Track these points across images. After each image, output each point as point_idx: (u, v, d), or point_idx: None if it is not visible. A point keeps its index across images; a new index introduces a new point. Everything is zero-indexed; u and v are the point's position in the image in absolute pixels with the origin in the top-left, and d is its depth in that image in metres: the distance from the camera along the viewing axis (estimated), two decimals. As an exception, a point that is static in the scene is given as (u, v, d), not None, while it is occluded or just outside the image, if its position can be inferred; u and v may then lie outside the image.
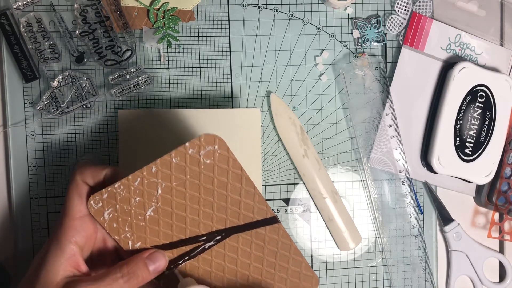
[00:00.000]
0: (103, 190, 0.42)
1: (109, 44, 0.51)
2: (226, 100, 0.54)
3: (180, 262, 0.45)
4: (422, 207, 0.57)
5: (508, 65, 0.58)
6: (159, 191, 0.43)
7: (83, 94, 0.51)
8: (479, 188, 0.58)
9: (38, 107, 0.50)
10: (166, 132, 0.51)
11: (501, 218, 0.59)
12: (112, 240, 0.44)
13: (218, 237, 0.45)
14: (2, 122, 0.51)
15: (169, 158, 0.42)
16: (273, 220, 0.45)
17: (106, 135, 0.52)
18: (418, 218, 0.56)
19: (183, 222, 0.44)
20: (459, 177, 0.56)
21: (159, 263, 0.43)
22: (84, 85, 0.51)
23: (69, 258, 0.40)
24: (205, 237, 0.45)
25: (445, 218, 0.57)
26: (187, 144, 0.41)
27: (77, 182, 0.43)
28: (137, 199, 0.43)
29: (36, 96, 0.51)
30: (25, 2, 0.50)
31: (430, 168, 0.55)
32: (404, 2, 0.55)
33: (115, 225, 0.43)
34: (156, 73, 0.53)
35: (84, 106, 0.51)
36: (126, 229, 0.44)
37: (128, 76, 0.51)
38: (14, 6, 0.50)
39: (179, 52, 0.53)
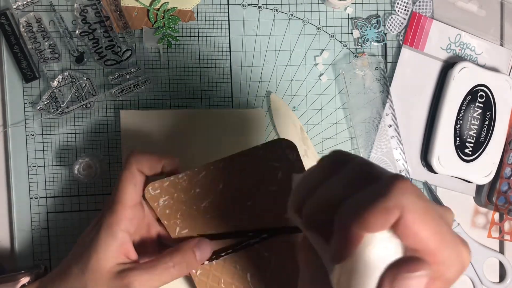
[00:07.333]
0: (165, 179, 0.43)
1: (109, 44, 0.51)
2: (226, 100, 0.54)
3: (223, 254, 0.45)
4: (422, 207, 0.57)
5: (508, 65, 0.58)
6: (221, 186, 0.43)
7: (83, 94, 0.51)
8: (479, 188, 0.58)
9: (38, 107, 0.50)
10: (169, 133, 0.51)
11: (501, 218, 0.59)
12: (159, 226, 0.45)
13: (265, 236, 0.45)
14: (2, 122, 0.51)
15: (239, 156, 0.43)
16: None
17: (106, 135, 0.52)
18: (418, 218, 0.56)
19: (236, 216, 0.44)
20: (459, 177, 0.56)
21: (205, 252, 0.43)
22: (84, 85, 0.51)
23: (121, 246, 0.40)
24: (252, 233, 0.45)
25: (445, 218, 0.57)
26: (259, 145, 0.43)
27: (132, 171, 0.42)
28: (197, 190, 0.43)
29: (36, 96, 0.51)
30: (25, 2, 0.50)
31: (430, 168, 0.55)
32: (404, 2, 0.55)
33: (167, 212, 0.44)
34: (156, 73, 0.53)
35: (84, 106, 0.51)
36: (178, 216, 0.44)
37: (128, 76, 0.51)
38: (14, 6, 0.50)
39: (179, 52, 0.53)
